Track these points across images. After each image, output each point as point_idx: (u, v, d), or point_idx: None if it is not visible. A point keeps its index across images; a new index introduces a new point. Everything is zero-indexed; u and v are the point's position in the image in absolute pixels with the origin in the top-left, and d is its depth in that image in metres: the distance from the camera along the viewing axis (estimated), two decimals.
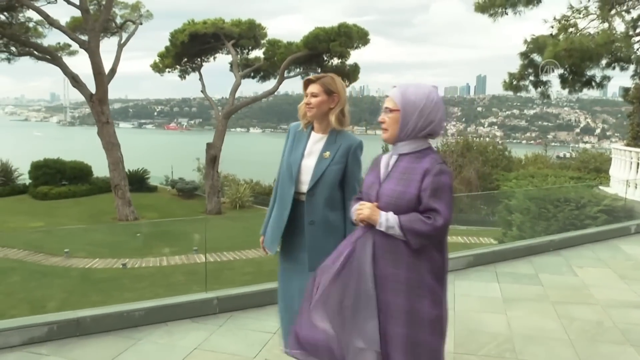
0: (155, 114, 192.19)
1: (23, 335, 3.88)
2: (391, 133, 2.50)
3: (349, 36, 27.23)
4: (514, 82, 17.86)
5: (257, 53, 31.12)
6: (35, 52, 26.00)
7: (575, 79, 16.45)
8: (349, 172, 3.04)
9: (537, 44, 15.84)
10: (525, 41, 16.60)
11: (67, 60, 26.52)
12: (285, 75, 29.11)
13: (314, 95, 3.00)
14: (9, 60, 26.73)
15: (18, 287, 13.52)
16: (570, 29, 14.88)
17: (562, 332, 4.32)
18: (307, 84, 3.06)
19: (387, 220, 2.42)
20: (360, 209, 2.51)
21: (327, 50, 27.79)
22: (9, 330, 3.85)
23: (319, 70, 29.09)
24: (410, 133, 2.47)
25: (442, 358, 2.52)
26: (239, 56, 29.99)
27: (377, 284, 2.47)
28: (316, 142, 3.07)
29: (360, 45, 28.19)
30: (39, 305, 11.20)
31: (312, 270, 2.91)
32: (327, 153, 3.01)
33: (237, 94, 30.17)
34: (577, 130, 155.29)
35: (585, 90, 17.79)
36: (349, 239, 2.65)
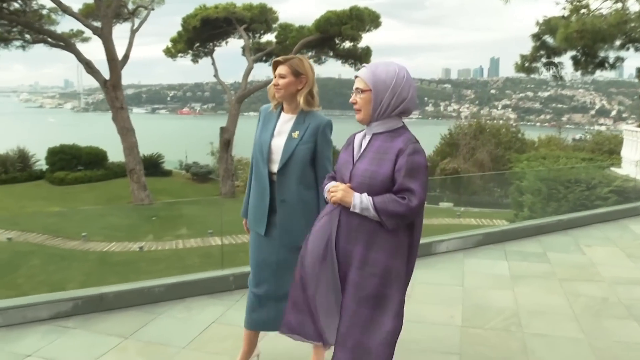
0: (168, 99, 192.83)
1: (51, 309, 4.08)
2: (364, 114, 2.46)
3: (361, 19, 27.13)
4: (526, 64, 17.82)
5: (269, 37, 31.12)
6: (49, 39, 26.12)
7: (588, 60, 16.38)
8: (319, 151, 3.07)
9: (549, 26, 15.80)
10: (537, 23, 16.56)
11: (80, 46, 26.61)
12: None
13: (281, 76, 3.01)
14: (23, 47, 26.88)
15: (38, 270, 13.80)
16: (583, 10, 14.82)
17: (567, 308, 4.45)
18: (275, 65, 3.06)
19: (362, 202, 2.39)
20: (334, 191, 2.48)
21: (339, 34, 27.71)
22: (39, 304, 4.06)
23: (331, 54, 29.12)
24: (384, 112, 2.43)
25: (392, 340, 2.47)
26: (250, 40, 30.01)
27: (339, 261, 2.48)
28: (285, 122, 3.09)
29: (371, 28, 28.06)
30: (58, 287, 11.43)
31: (284, 246, 3.07)
32: (296, 133, 3.03)
33: (250, 78, 30.20)
34: (592, 112, 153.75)
35: (599, 72, 17.70)
36: (317, 218, 2.67)
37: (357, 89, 2.46)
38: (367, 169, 2.43)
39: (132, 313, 4.22)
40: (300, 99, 3.01)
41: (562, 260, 5.75)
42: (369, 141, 2.49)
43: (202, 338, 3.81)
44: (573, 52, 16.58)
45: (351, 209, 2.43)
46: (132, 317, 4.15)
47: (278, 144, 3.05)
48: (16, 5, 24.42)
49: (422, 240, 5.83)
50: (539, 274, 5.31)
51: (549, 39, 16.72)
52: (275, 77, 3.04)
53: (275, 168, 3.05)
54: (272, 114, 3.14)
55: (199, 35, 29.65)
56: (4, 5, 23.81)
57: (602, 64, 16.64)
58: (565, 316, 4.28)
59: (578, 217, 7.43)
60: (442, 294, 4.75)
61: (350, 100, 2.49)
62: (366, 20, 27.33)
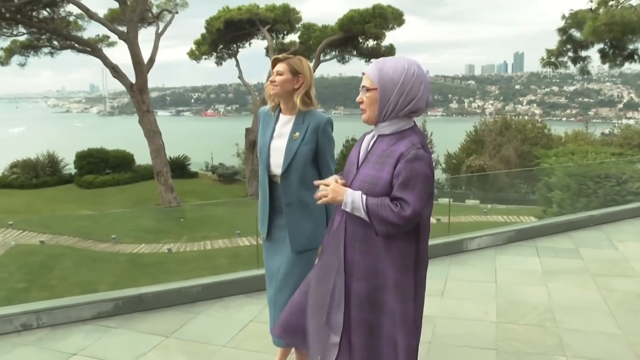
0: (192, 101, 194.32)
1: (93, 309, 4.20)
2: (370, 114, 2.31)
3: (384, 17, 27.13)
4: (552, 59, 17.63)
5: (293, 37, 31.35)
6: (76, 45, 26.61)
7: (617, 53, 16.15)
8: (321, 150, 3.01)
9: (575, 19, 15.63)
10: (564, 16, 16.38)
11: (106, 51, 27.14)
12: (321, 58, 29.22)
13: (279, 73, 2.95)
14: (51, 54, 27.43)
15: (70, 272, 14.07)
16: (611, 2, 14.60)
17: (602, 303, 4.44)
18: (274, 62, 3.01)
19: (353, 200, 2.29)
20: (323, 192, 2.39)
21: (362, 32, 27.76)
22: (81, 305, 4.18)
23: (355, 53, 29.14)
24: (391, 112, 2.27)
25: (409, 358, 2.35)
26: (274, 41, 30.18)
27: (346, 272, 2.39)
28: (285, 124, 3.02)
29: (395, 26, 28.06)
30: (91, 289, 11.66)
31: (295, 251, 3.01)
32: (297, 134, 2.97)
33: None
34: (620, 105, 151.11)
35: (627, 65, 17.44)
36: (329, 227, 2.57)
37: (363, 87, 2.32)
38: (368, 174, 2.31)
39: (171, 312, 4.32)
40: (297, 100, 2.95)
41: (595, 256, 5.72)
42: (374, 143, 2.37)
43: (242, 336, 3.89)
44: (600, 45, 16.35)
45: (342, 207, 2.34)
46: (172, 317, 4.25)
47: (278, 146, 3.00)
48: (45, 13, 24.88)
49: (453, 237, 5.93)
50: (571, 270, 5.30)
51: (575, 33, 16.53)
52: (272, 74, 3.00)
53: (277, 171, 3.01)
54: (271, 117, 3.09)
55: (223, 37, 29.92)
56: (34, 13, 24.30)
57: (631, 56, 16.38)
58: (600, 311, 4.28)
59: (610, 213, 7.36)
60: (475, 290, 4.77)
61: (357, 99, 2.35)
62: (389, 18, 27.32)
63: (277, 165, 3.00)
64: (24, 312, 4.05)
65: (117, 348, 3.76)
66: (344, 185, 2.40)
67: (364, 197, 2.27)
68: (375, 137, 2.38)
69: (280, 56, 3.01)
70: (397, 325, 2.33)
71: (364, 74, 2.34)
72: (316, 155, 3.02)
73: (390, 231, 2.24)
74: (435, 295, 4.64)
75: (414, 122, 2.35)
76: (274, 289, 3.10)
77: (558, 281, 4.97)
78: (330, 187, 2.39)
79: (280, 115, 3.06)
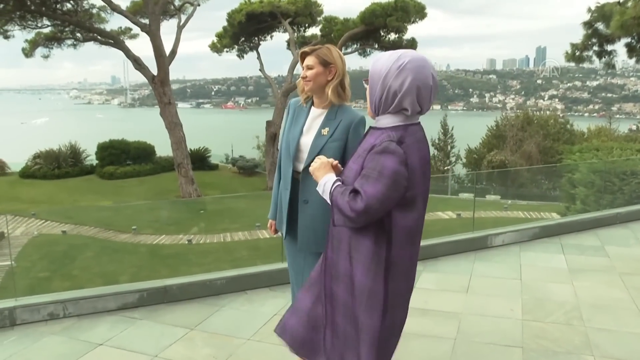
0: (213, 93, 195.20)
1: (118, 300, 4.24)
2: (369, 108, 2.21)
3: (406, 10, 26.92)
4: (577, 53, 17.41)
5: (314, 30, 31.21)
6: (99, 37, 26.78)
7: None
8: (350, 150, 2.76)
9: (602, 12, 15.38)
10: (589, 10, 16.15)
11: (128, 43, 27.28)
12: (342, 51, 29.07)
13: (309, 67, 2.79)
14: (74, 46, 27.64)
15: (92, 262, 14.22)
16: None
17: (630, 302, 4.37)
18: (303, 57, 2.84)
19: (325, 183, 2.21)
20: (313, 163, 2.35)
21: (384, 26, 27.59)
22: (107, 296, 4.22)
23: (376, 46, 29.00)
24: (380, 107, 2.13)
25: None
26: (295, 34, 30.11)
27: (326, 272, 2.32)
28: (315, 118, 2.87)
29: (417, 19, 27.84)
30: (111, 279, 11.77)
31: (302, 250, 2.90)
32: (326, 129, 2.80)
33: (295, 72, 30.37)
34: None
35: None
36: None
37: (365, 80, 2.21)
38: (348, 166, 2.23)
39: (196, 305, 4.34)
40: (330, 92, 2.78)
41: (622, 254, 5.64)
42: (365, 137, 2.27)
43: (266, 329, 3.89)
44: (627, 39, 16.10)
45: (317, 188, 2.27)
46: (196, 309, 4.27)
47: (307, 142, 2.84)
48: (68, 5, 25.08)
49: (478, 233, 5.87)
50: (598, 268, 5.22)
51: (601, 26, 16.29)
52: (303, 70, 2.84)
53: (301, 167, 2.84)
54: (302, 109, 2.92)
55: (244, 30, 29.91)
56: (57, 6, 24.51)
57: None
58: (628, 311, 4.21)
59: (636, 210, 7.25)
60: (501, 287, 4.73)
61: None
62: (411, 11, 27.11)
63: (302, 160, 2.85)
64: (51, 302, 4.10)
65: (143, 339, 3.78)
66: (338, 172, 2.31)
67: (336, 183, 2.19)
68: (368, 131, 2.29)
69: (307, 49, 2.85)
70: (361, 339, 2.19)
71: None
72: (344, 155, 2.81)
73: (346, 224, 2.11)
74: (460, 292, 4.60)
75: (416, 120, 2.18)
76: (296, 289, 2.99)
77: (584, 279, 4.90)
78: (320, 161, 2.32)
79: (312, 108, 2.91)
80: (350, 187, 2.10)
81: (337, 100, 2.81)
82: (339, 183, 2.19)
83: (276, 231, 3.13)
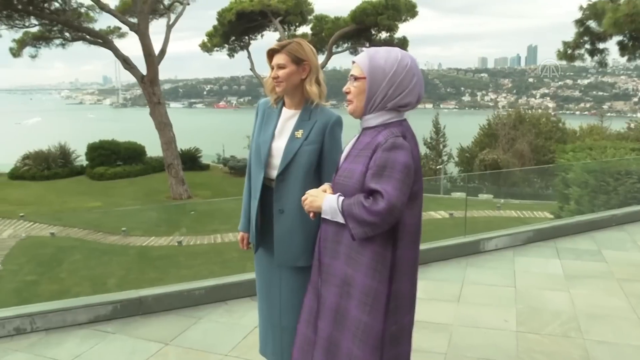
0: (205, 93, 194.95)
1: (89, 313, 3.99)
2: (357, 105, 2.14)
3: (397, 9, 26.83)
4: (569, 51, 17.30)
5: (305, 29, 31.07)
6: (87, 36, 26.50)
7: (637, 45, 15.76)
8: (326, 154, 2.59)
9: (594, 10, 15.26)
10: (581, 7, 16.05)
11: (117, 43, 27.03)
12: (333, 50, 29.03)
13: (280, 66, 2.55)
14: (63, 45, 27.34)
15: (80, 264, 13.97)
16: None
17: (630, 311, 4.17)
18: (271, 54, 2.60)
19: (330, 205, 2.11)
20: (304, 197, 2.24)
21: (375, 24, 27.51)
22: (77, 308, 3.97)
23: (367, 45, 28.81)
24: (379, 104, 2.11)
25: None
26: (286, 33, 29.92)
27: (321, 278, 2.23)
28: (288, 120, 2.64)
29: (408, 18, 27.78)
30: (100, 282, 11.55)
31: (280, 265, 2.66)
32: (300, 131, 2.58)
33: None
34: (635, 99, 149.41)
35: None
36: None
37: (351, 76, 2.15)
38: (346, 168, 2.15)
39: (173, 317, 4.10)
40: (312, 89, 2.57)
41: (620, 259, 5.44)
42: (358, 137, 2.19)
43: (246, 343, 3.65)
44: (619, 37, 15.99)
45: (322, 215, 2.16)
46: (172, 322, 4.03)
47: (280, 147, 2.61)
48: (56, 4, 24.80)
49: (470, 238, 5.65)
50: (595, 274, 5.02)
51: (593, 24, 16.17)
52: (272, 69, 2.59)
53: (274, 174, 2.61)
54: (273, 111, 2.69)
55: (235, 29, 29.71)
56: (45, 5, 24.22)
57: None
58: (629, 321, 4.00)
59: (633, 212, 7.06)
60: (493, 295, 4.52)
61: (344, 89, 2.16)
62: (402, 10, 27.03)
63: (275, 166, 2.62)
64: (17, 316, 3.85)
65: (113, 356, 3.55)
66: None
67: (340, 198, 2.09)
68: (360, 131, 2.21)
69: (275, 46, 2.58)
70: (358, 340, 2.09)
71: (353, 62, 2.17)
72: (320, 159, 2.61)
73: (368, 233, 2.01)
74: (451, 301, 4.39)
75: (404, 116, 2.18)
76: (278, 309, 2.74)
77: (581, 286, 4.69)
78: (311, 193, 2.22)
79: (284, 109, 2.68)
80: (359, 195, 2.03)
81: (319, 98, 2.60)
82: (342, 197, 2.10)
83: (249, 244, 2.86)
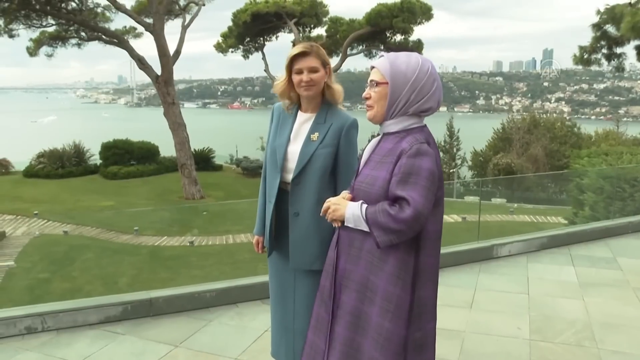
0: (219, 93, 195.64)
1: (100, 314, 3.99)
2: (377, 110, 2.12)
3: (412, 12, 26.74)
4: (585, 56, 17.16)
5: (319, 31, 31.11)
6: (103, 36, 26.72)
7: None
8: (341, 157, 2.58)
9: (612, 14, 15.11)
10: (599, 12, 15.89)
11: (133, 43, 27.21)
12: (347, 52, 28.98)
13: (313, 69, 2.52)
14: (79, 45, 27.61)
15: (92, 263, 14.05)
16: None
17: None
18: (301, 57, 2.53)
19: (353, 214, 2.08)
20: (325, 206, 2.20)
21: (390, 27, 27.45)
22: (88, 308, 3.96)
23: (382, 48, 28.78)
24: (400, 109, 2.09)
25: None
26: (301, 34, 29.93)
27: (336, 282, 2.20)
28: (303, 123, 2.63)
29: (423, 20, 27.69)
30: (111, 281, 11.61)
31: (295, 268, 2.66)
32: (315, 134, 2.57)
33: None
34: None
35: None
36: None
37: (371, 81, 2.13)
38: (367, 174, 2.12)
39: (183, 319, 4.09)
40: (336, 91, 2.58)
41: (635, 267, 5.35)
42: (378, 143, 2.18)
43: (256, 347, 3.63)
44: (637, 42, 15.83)
45: (345, 224, 2.13)
46: (183, 324, 4.02)
47: (295, 150, 2.60)
48: (73, 4, 25.01)
49: (483, 243, 5.60)
50: (610, 282, 4.95)
51: (611, 29, 16.01)
52: (299, 72, 2.52)
53: (289, 177, 2.61)
54: (288, 114, 2.68)
55: (250, 30, 29.77)
56: (62, 5, 24.43)
57: None
58: None
59: None
60: (506, 302, 4.46)
61: (364, 94, 2.15)
62: (418, 12, 26.94)
63: (291, 170, 2.60)
64: (28, 315, 3.86)
65: (123, 357, 3.54)
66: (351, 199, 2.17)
67: (364, 206, 2.06)
68: (381, 137, 2.19)
69: (305, 49, 2.52)
70: (380, 346, 2.06)
71: (372, 67, 2.16)
72: (335, 163, 2.60)
73: (393, 240, 1.98)
74: (463, 307, 4.34)
75: (424, 122, 2.17)
76: (291, 313, 2.72)
77: (596, 294, 4.63)
78: (332, 201, 2.19)
79: (299, 112, 2.66)
80: (384, 202, 2.01)
81: (339, 99, 2.62)
82: (365, 205, 2.07)
83: (264, 248, 2.84)
